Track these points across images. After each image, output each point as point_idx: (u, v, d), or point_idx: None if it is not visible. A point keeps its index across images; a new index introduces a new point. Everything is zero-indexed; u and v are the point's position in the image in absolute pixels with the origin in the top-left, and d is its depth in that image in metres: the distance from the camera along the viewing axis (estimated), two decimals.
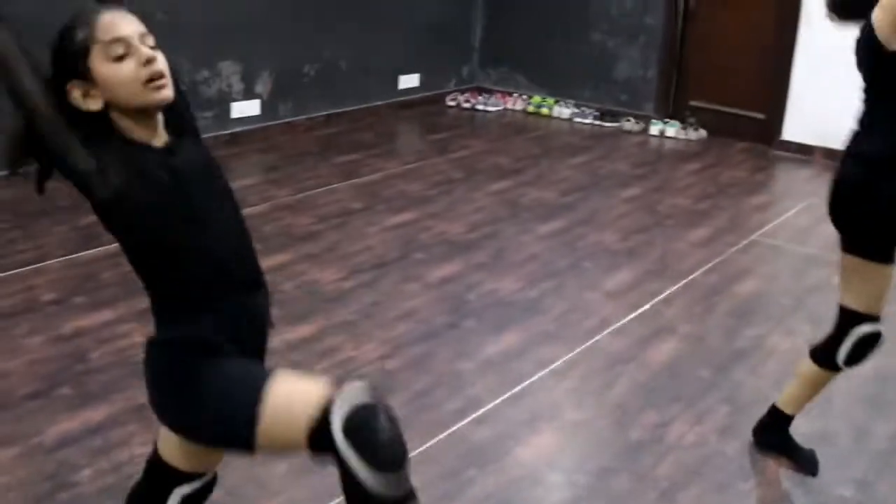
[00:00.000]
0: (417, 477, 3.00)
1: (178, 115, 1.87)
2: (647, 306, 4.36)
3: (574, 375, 3.73)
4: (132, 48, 1.71)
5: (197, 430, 1.87)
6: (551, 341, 3.97)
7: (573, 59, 8.14)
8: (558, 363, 3.79)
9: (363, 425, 1.67)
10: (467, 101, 8.13)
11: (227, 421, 1.77)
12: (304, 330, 3.88)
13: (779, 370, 3.82)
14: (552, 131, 7.64)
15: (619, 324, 4.17)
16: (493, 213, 5.52)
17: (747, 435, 3.31)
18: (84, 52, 1.70)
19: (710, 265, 4.92)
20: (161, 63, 1.74)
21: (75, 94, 1.72)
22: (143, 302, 1.93)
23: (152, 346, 1.87)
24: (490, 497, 2.94)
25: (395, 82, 7.90)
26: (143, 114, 1.76)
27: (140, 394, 3.25)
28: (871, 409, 3.58)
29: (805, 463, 3.14)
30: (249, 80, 6.70)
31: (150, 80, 1.71)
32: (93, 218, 1.82)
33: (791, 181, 6.97)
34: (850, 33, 2.75)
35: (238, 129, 6.62)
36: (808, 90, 7.09)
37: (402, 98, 7.92)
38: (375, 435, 1.68)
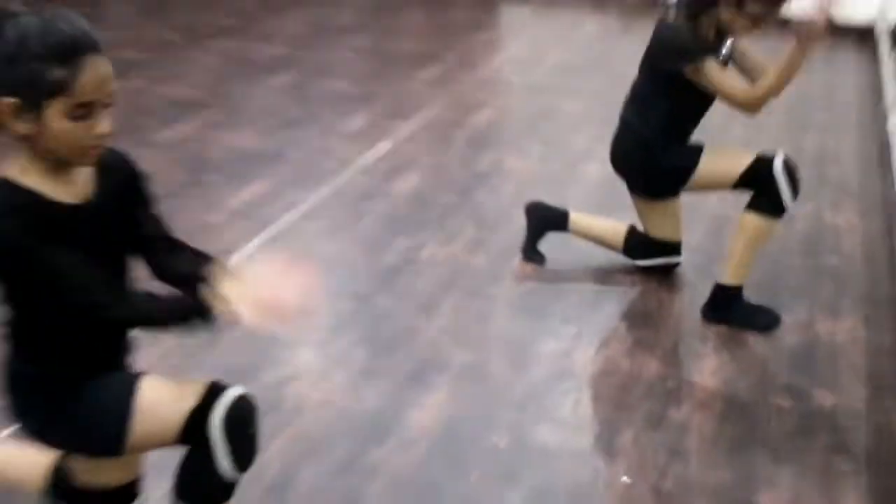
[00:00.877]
0: None
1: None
2: (387, 144, 4.41)
3: (323, 215, 3.74)
4: (93, 114, 1.59)
5: (63, 444, 1.86)
6: (297, 186, 3.95)
7: None
8: (306, 205, 3.79)
9: (242, 424, 1.77)
10: None
11: (95, 438, 1.80)
12: None
13: (516, 188, 4.01)
14: None
15: (361, 163, 4.20)
16: (220, 71, 5.34)
17: (493, 248, 3.48)
18: (51, 92, 1.55)
19: (444, 101, 5.02)
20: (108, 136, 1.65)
21: (3, 109, 1.56)
22: None
23: (18, 374, 1.80)
24: (252, 333, 2.92)
25: None
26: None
27: None
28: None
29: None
30: None
31: (91, 148, 1.63)
32: None
33: (513, 19, 7.19)
34: None
35: None
36: None
37: None
38: (250, 438, 1.80)
